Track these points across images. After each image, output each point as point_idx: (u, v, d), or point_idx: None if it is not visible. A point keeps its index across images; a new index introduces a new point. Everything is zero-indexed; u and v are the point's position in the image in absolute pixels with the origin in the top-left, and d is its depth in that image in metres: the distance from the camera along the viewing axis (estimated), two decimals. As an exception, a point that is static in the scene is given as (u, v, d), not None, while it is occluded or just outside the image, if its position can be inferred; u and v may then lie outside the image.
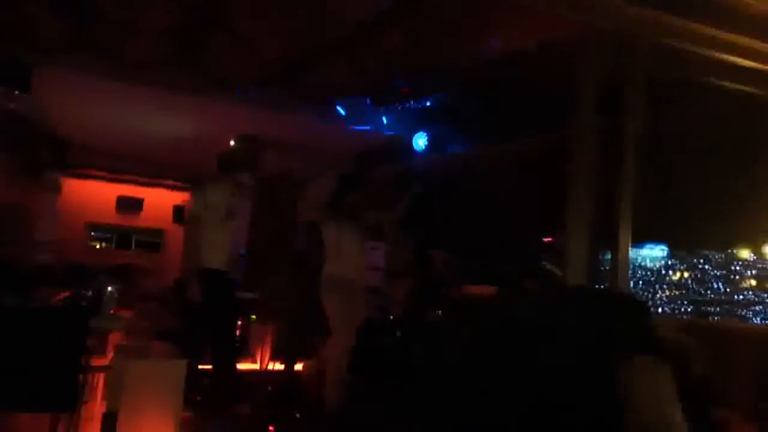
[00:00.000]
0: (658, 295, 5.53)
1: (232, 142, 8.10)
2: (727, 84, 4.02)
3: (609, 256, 4.32)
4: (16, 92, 5.09)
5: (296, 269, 6.11)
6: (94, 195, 11.38)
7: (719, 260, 5.19)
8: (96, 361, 4.06)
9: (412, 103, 6.69)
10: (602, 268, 4.65)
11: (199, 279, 4.51)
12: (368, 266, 7.35)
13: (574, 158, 4.19)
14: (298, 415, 4.58)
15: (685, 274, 5.44)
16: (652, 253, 5.60)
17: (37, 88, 5.48)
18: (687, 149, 4.85)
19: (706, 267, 5.24)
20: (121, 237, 11.93)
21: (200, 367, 5.00)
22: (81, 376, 3.52)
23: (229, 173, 4.96)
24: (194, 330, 4.65)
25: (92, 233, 11.76)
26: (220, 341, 4.64)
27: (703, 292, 5.21)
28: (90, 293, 4.00)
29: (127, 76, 5.72)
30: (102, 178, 11.34)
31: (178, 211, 12.12)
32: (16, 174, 8.98)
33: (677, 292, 5.44)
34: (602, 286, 4.59)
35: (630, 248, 4.13)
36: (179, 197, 12.09)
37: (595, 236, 4.13)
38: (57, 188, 10.26)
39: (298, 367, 5.98)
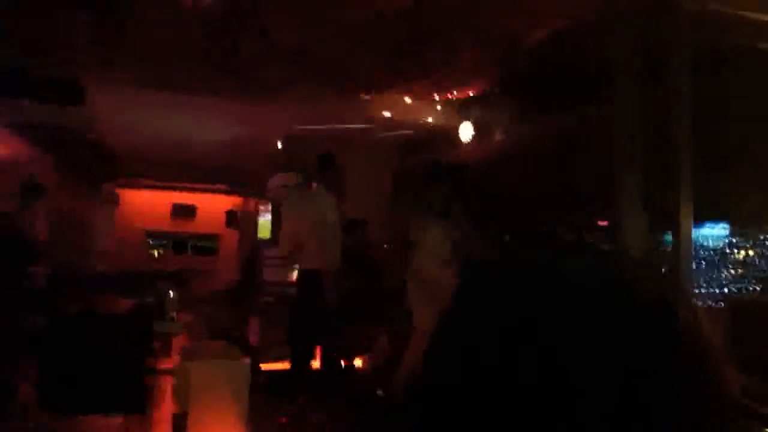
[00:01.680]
0: (723, 275, 5.34)
1: (279, 145, 8.24)
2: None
3: (668, 237, 4.20)
4: (69, 108, 5.25)
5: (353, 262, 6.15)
6: (150, 204, 11.73)
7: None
8: (162, 364, 4.18)
9: (455, 92, 6.63)
10: (663, 250, 4.52)
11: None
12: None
13: (619, 134, 4.07)
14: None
15: (750, 252, 5.23)
16: (714, 232, 5.41)
17: (88, 103, 5.66)
18: (744, 118, 4.65)
19: (772, 243, 5.03)
20: (177, 243, 12.26)
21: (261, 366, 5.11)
22: (148, 379, 3.64)
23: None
24: (302, 330, 4.71)
25: (150, 241, 12.12)
26: (329, 342, 4.68)
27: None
28: (152, 299, 4.12)
29: (171, 84, 5.85)
30: (157, 187, 11.67)
31: (231, 215, 12.40)
32: (74, 188, 9.32)
33: (742, 271, 5.24)
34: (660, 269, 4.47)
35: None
36: (231, 202, 12.35)
37: (653, 216, 4.01)
38: (115, 200, 10.61)
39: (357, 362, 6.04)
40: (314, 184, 4.96)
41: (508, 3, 4.45)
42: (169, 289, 4.29)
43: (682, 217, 3.80)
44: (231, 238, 12.38)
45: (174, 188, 11.83)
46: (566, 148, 5.43)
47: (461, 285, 0.62)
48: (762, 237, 5.15)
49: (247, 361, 3.64)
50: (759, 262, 5.15)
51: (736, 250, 5.32)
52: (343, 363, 5.37)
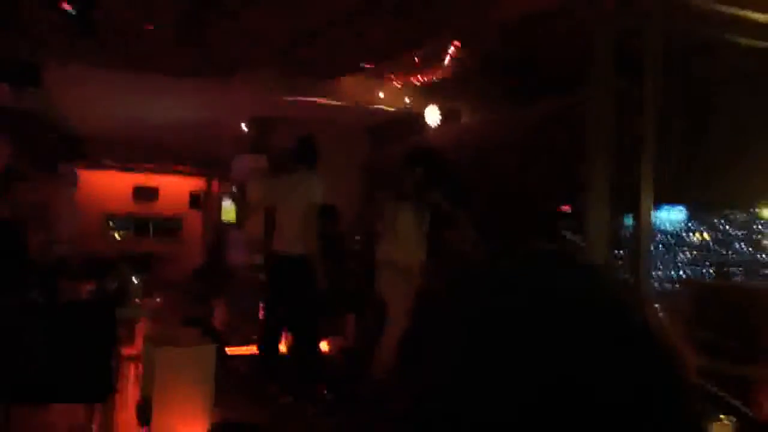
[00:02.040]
0: (678, 258, 5.50)
1: (244, 126, 8.13)
2: (747, 41, 3.93)
3: (629, 221, 4.29)
4: (27, 89, 5.10)
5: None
6: (111, 185, 11.50)
7: (741, 220, 5.14)
8: (126, 351, 4.14)
9: (422, 74, 6.62)
10: (623, 234, 4.63)
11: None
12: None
13: (590, 121, 4.13)
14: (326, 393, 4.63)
15: (706, 236, 5.40)
16: (672, 216, 5.55)
17: (47, 84, 5.49)
18: (705, 108, 4.78)
19: (728, 228, 5.19)
20: (139, 225, 12.06)
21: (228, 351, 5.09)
22: (112, 366, 3.59)
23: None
24: (272, 313, 4.68)
25: (111, 223, 11.90)
26: (302, 324, 4.64)
27: (724, 253, 5.16)
28: (115, 285, 4.06)
29: (132, 64, 5.72)
30: (118, 168, 11.44)
31: (194, 198, 12.24)
32: (30, 171, 9.06)
33: (698, 254, 5.40)
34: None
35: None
36: (195, 183, 12.18)
37: (615, 201, 4.09)
38: (74, 181, 10.35)
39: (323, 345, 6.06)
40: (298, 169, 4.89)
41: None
42: (132, 274, 4.22)
43: (642, 202, 3.89)
44: (194, 220, 12.23)
45: (136, 170, 11.61)
46: (535, 135, 5.49)
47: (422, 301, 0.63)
48: (716, 221, 5.32)
49: (213, 346, 3.62)
50: (713, 245, 5.32)
51: (692, 234, 5.49)
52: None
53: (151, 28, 5.06)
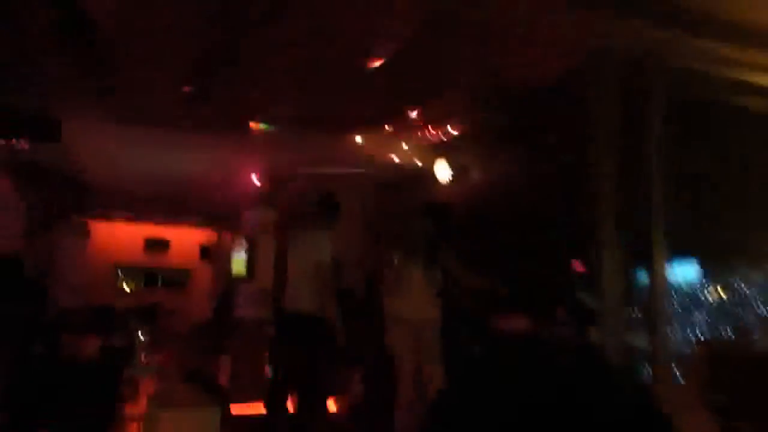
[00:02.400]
0: (695, 317, 5.38)
1: (255, 180, 8.19)
2: (756, 104, 3.95)
3: (638, 278, 4.23)
4: (46, 144, 5.18)
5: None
6: (122, 236, 11.54)
7: (757, 279, 5.05)
8: (130, 409, 4.06)
9: (431, 132, 6.68)
10: (637, 290, 4.55)
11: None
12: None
13: (596, 183, 4.13)
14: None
15: (722, 294, 5.29)
16: (686, 275, 5.47)
17: (63, 137, 5.58)
18: (715, 164, 4.76)
19: (744, 287, 5.10)
20: (149, 276, 12.05)
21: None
22: (117, 424, 3.52)
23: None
24: (280, 371, 4.58)
25: (121, 274, 11.90)
26: (309, 384, 4.55)
27: (742, 313, 5.06)
28: (122, 343, 4.01)
29: (145, 119, 5.81)
30: (129, 220, 11.51)
31: (205, 250, 12.25)
32: (42, 222, 9.13)
33: (715, 314, 5.29)
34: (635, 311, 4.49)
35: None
36: (204, 235, 12.21)
37: (629, 258, 4.04)
38: (85, 233, 10.40)
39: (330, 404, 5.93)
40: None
41: (494, 52, 4.53)
42: (140, 331, 4.18)
43: (656, 261, 3.84)
44: (204, 272, 12.21)
45: (147, 221, 11.68)
46: (546, 193, 5.48)
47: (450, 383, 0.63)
48: (732, 280, 5.22)
49: (217, 409, 3.54)
50: (730, 306, 5.21)
51: (707, 293, 5.38)
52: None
53: (162, 84, 5.14)
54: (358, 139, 6.73)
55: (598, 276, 3.79)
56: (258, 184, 8.23)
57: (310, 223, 4.81)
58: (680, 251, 4.63)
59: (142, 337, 4.09)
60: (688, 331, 5.22)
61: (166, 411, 3.41)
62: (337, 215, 4.84)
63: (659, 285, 3.74)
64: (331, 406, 6.00)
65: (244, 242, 8.89)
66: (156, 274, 12.10)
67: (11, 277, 4.47)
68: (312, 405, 4.58)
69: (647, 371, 3.98)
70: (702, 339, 4.98)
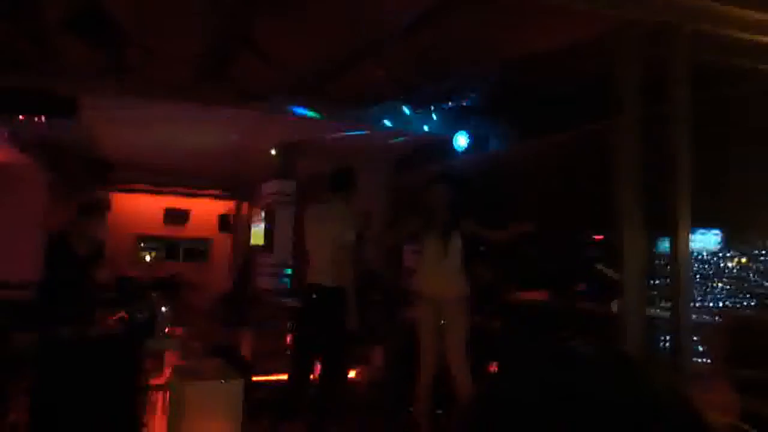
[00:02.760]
0: (717, 287, 5.32)
1: (273, 152, 8.18)
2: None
3: (656, 249, 4.18)
4: (64, 122, 5.23)
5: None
6: (143, 208, 11.66)
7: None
8: (154, 381, 4.13)
9: (450, 102, 6.59)
10: (657, 262, 4.51)
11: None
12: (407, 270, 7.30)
13: (619, 151, 4.05)
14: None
15: (744, 261, 5.22)
16: (708, 244, 5.39)
17: (81, 115, 5.61)
18: (740, 129, 4.66)
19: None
20: (170, 248, 12.20)
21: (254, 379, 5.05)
22: (140, 401, 3.59)
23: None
24: (304, 343, 4.65)
25: (141, 245, 12.05)
26: (334, 353, 4.61)
27: (765, 283, 4.98)
28: (145, 316, 4.06)
29: (162, 95, 5.81)
30: (149, 192, 11.61)
31: (224, 221, 12.35)
32: (64, 196, 9.27)
33: (737, 283, 5.22)
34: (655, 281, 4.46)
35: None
36: (223, 206, 12.30)
37: (650, 229, 3.98)
38: (107, 205, 10.52)
39: (351, 374, 6.00)
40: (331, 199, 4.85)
41: (513, 20, 4.43)
42: (162, 304, 4.23)
43: (679, 232, 3.77)
44: (223, 243, 12.33)
45: (166, 193, 11.78)
46: (565, 162, 5.42)
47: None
48: (755, 250, 5.14)
49: (241, 380, 3.59)
50: (753, 276, 5.13)
51: (729, 262, 5.31)
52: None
53: (177, 60, 5.13)
54: (377, 109, 6.67)
55: (620, 248, 3.75)
56: (275, 155, 8.22)
57: (328, 196, 4.79)
58: (702, 221, 4.56)
59: (164, 309, 4.14)
60: (710, 301, 5.17)
61: (190, 383, 3.48)
62: (353, 187, 4.81)
63: (682, 256, 3.68)
64: (353, 376, 6.08)
65: (262, 213, 8.93)
66: (177, 245, 12.24)
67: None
68: (332, 375, 4.63)
69: (668, 342, 3.96)
70: (724, 310, 4.93)
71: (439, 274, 4.50)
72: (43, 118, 5.02)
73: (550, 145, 5.85)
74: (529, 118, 6.04)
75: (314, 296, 4.53)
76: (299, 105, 6.36)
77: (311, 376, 4.70)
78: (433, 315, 4.50)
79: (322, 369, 4.65)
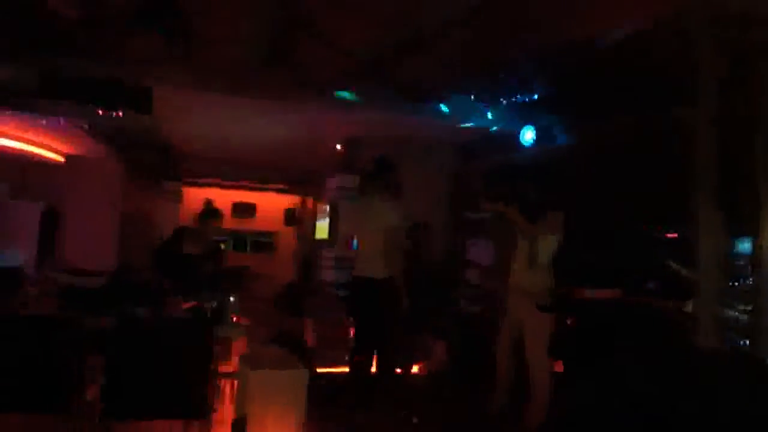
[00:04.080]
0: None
1: (338, 146, 8.26)
2: None
3: (744, 248, 3.98)
4: (140, 115, 5.44)
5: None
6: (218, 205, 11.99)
7: None
8: (222, 368, 4.24)
9: (518, 96, 6.48)
10: (737, 263, 4.29)
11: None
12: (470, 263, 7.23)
13: (700, 143, 3.88)
14: (415, 420, 4.58)
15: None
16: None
17: (155, 107, 5.81)
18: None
19: None
20: (237, 240, 12.50)
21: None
22: (210, 384, 3.69)
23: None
24: (361, 334, 4.73)
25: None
26: (387, 346, 4.67)
27: None
28: (214, 304, 4.19)
29: (226, 86, 5.95)
30: (218, 186, 11.94)
31: (290, 215, 12.57)
32: (139, 186, 9.67)
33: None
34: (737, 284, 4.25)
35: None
36: (289, 200, 12.52)
37: (730, 226, 3.79)
38: (178, 197, 10.91)
39: (414, 369, 6.00)
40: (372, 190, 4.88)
41: (582, 5, 4.31)
42: (230, 292, 4.35)
43: (763, 225, 3.57)
44: (289, 236, 12.55)
45: (234, 187, 12.07)
46: (635, 156, 5.23)
47: None
48: None
49: (305, 370, 3.65)
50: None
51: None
52: (398, 370, 5.36)
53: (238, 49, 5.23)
54: (442, 107, 6.64)
55: (696, 246, 3.59)
56: (340, 149, 8.29)
57: (375, 187, 4.81)
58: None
59: (231, 298, 4.26)
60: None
61: (256, 371, 3.56)
62: (391, 178, 4.82)
63: (764, 257, 3.50)
64: (416, 370, 6.09)
65: (326, 208, 9.03)
66: (245, 239, 12.53)
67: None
68: (387, 366, 4.65)
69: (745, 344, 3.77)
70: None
71: (529, 271, 4.42)
72: (120, 113, 5.24)
73: (619, 137, 5.66)
74: (597, 111, 5.87)
75: (361, 289, 4.56)
76: (363, 95, 6.38)
77: (371, 368, 4.72)
78: (519, 311, 4.42)
79: (377, 361, 4.69)
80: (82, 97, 5.23)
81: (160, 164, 9.81)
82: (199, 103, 6.67)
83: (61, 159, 8.83)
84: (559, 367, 4.80)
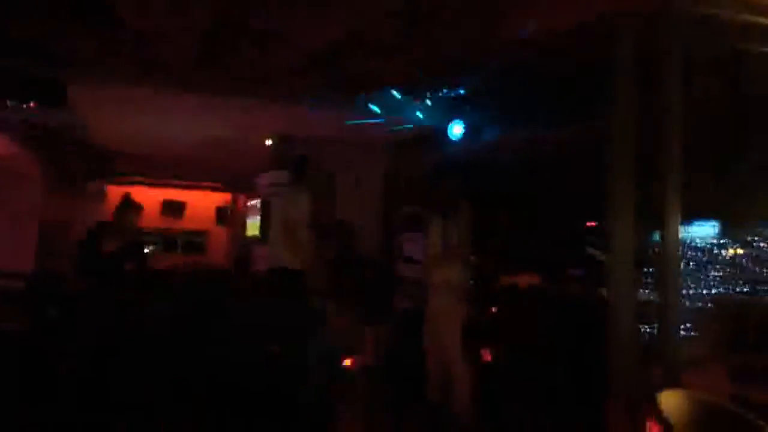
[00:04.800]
0: (711, 275, 5.32)
1: (268, 142, 8.16)
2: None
3: (657, 237, 4.17)
4: (54, 108, 5.22)
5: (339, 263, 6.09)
6: (139, 201, 11.60)
7: (775, 236, 4.95)
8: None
9: (445, 91, 6.58)
10: (651, 250, 4.49)
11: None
12: (405, 258, 7.30)
13: (612, 139, 4.04)
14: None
15: (740, 251, 5.21)
16: (703, 232, 5.38)
17: (74, 102, 5.57)
18: (731, 116, 4.63)
19: (762, 245, 5.01)
20: (168, 241, 12.18)
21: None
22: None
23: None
24: None
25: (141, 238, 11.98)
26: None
27: (758, 270, 4.98)
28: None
29: (156, 81, 5.79)
30: (145, 184, 11.59)
31: (221, 213, 12.34)
32: (58, 187, 9.27)
33: (731, 271, 5.21)
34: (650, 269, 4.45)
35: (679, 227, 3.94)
36: (220, 198, 12.30)
37: (641, 217, 3.97)
38: (101, 197, 10.53)
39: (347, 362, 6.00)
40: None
41: (507, 3, 4.41)
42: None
43: (669, 219, 3.77)
44: (220, 235, 12.33)
45: (163, 185, 11.76)
46: (559, 150, 5.40)
47: None
48: (750, 237, 5.13)
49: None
50: (747, 262, 5.13)
51: (724, 251, 5.30)
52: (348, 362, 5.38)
53: (172, 44, 5.10)
54: (374, 97, 6.65)
55: (609, 233, 3.74)
56: (270, 145, 8.20)
57: (291, 183, 4.92)
58: (697, 209, 4.54)
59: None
60: (705, 288, 5.17)
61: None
62: (304, 174, 4.92)
63: (671, 244, 3.68)
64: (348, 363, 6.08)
65: (258, 205, 8.93)
66: (175, 238, 12.23)
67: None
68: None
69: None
70: (718, 296, 4.93)
71: (441, 261, 4.51)
72: (32, 105, 5.01)
73: (546, 134, 5.84)
74: (523, 108, 6.03)
75: (273, 279, 4.61)
76: (295, 92, 6.34)
77: None
78: (434, 301, 4.49)
79: None
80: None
81: (82, 163, 9.44)
82: (125, 99, 6.46)
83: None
84: (487, 357, 4.90)
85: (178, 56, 5.57)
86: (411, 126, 6.97)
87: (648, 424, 2.91)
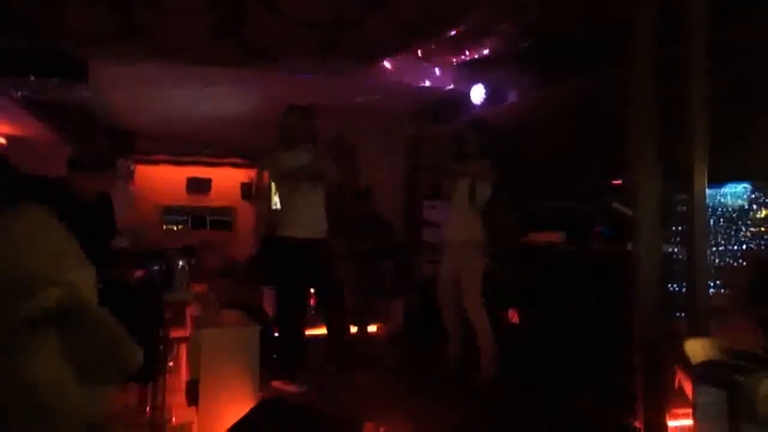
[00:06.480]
0: (741, 233, 5.22)
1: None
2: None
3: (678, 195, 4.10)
4: (75, 85, 5.26)
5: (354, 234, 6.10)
6: (165, 178, 11.75)
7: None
8: (175, 333, 4.21)
9: (466, 54, 6.49)
10: (679, 209, 4.41)
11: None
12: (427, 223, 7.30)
13: (634, 92, 3.94)
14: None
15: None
16: (734, 191, 5.28)
17: (96, 80, 5.62)
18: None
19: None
20: (196, 218, 12.31)
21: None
22: (161, 348, 3.66)
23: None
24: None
25: (166, 216, 12.16)
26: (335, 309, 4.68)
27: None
28: (162, 268, 4.13)
29: (172, 57, 5.78)
30: (171, 162, 11.69)
31: (246, 189, 12.41)
32: (89, 168, 9.36)
33: (762, 229, 5.12)
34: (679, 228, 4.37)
35: (707, 187, 3.86)
36: (245, 174, 12.36)
37: (669, 174, 3.90)
38: (129, 175, 10.67)
39: (372, 329, 6.06)
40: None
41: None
42: (178, 259, 4.30)
43: (696, 177, 3.69)
44: (246, 211, 12.42)
45: (188, 163, 11.85)
46: (582, 109, 5.31)
47: None
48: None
49: (257, 327, 3.64)
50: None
51: (756, 207, 5.19)
52: (352, 329, 5.39)
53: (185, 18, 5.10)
54: (392, 65, 6.59)
55: (633, 189, 3.68)
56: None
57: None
58: (726, 169, 4.45)
59: (181, 264, 4.21)
60: (734, 245, 5.08)
61: (207, 330, 3.54)
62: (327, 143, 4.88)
63: (697, 200, 3.61)
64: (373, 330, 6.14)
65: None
66: (203, 215, 12.35)
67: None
68: (336, 327, 4.67)
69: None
70: (746, 251, 4.83)
71: (458, 220, 4.51)
72: (54, 80, 5.06)
73: (567, 91, 5.73)
74: (545, 66, 5.93)
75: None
76: (311, 64, 6.30)
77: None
78: (452, 262, 4.50)
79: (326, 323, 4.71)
80: (14, 68, 5.03)
81: (111, 142, 9.55)
82: (146, 76, 6.49)
83: (2, 141, 8.55)
84: (514, 318, 4.90)
85: (188, 30, 5.58)
86: (428, 88, 6.90)
87: (675, 369, 2.89)
